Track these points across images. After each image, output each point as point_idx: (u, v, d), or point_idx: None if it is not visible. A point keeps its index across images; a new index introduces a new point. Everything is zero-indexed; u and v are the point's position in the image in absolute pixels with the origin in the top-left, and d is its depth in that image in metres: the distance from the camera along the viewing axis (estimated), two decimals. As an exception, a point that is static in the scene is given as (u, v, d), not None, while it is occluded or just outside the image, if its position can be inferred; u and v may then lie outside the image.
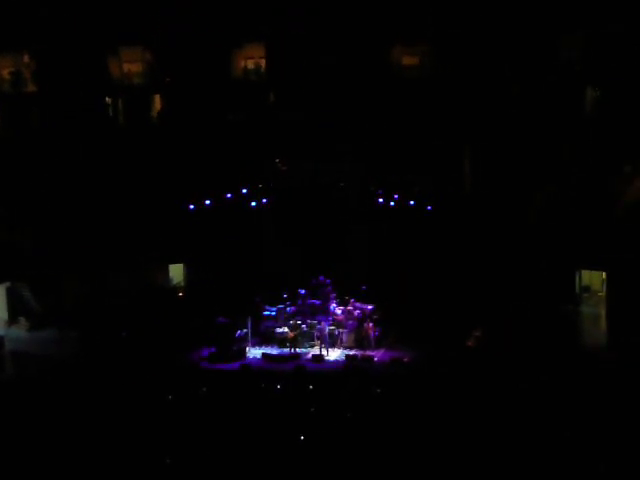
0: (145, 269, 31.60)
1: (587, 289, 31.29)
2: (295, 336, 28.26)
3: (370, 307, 28.79)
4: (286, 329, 28.47)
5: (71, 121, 31.81)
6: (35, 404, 22.18)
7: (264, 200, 30.88)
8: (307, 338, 28.54)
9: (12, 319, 30.81)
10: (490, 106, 29.72)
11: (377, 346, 28.01)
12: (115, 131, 32.49)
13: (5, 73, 32.16)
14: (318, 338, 28.22)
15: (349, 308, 28.85)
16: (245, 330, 28.35)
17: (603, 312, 29.26)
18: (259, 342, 28.77)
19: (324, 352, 27.65)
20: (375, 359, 27.04)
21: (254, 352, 28.01)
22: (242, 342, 28.15)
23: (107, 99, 32.94)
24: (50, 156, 31.46)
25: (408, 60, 30.98)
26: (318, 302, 29.26)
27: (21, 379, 25.67)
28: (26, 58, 31.84)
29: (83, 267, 30.59)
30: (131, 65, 32.25)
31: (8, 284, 30.82)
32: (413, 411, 20.76)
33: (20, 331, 30.12)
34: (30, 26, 30.68)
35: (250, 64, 32.12)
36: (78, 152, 31.48)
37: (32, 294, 30.95)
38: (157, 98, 32.64)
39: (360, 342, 28.13)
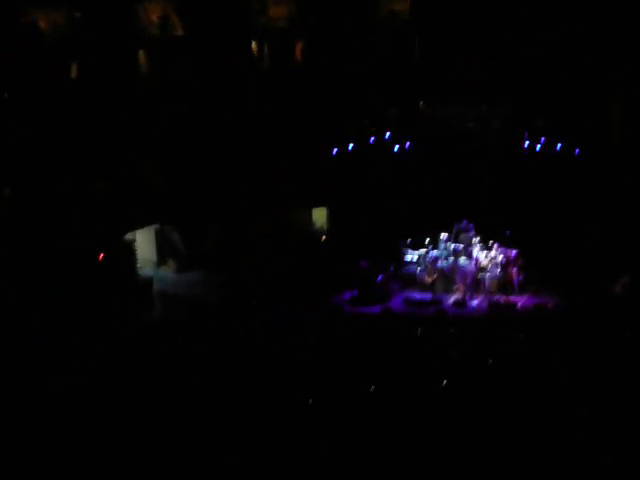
0: (288, 213, 31.87)
1: None
2: (436, 281, 28.20)
3: (514, 252, 28.36)
4: (427, 274, 28.42)
5: (218, 65, 32.11)
6: (182, 344, 22.86)
7: (407, 144, 30.71)
8: (449, 283, 28.43)
9: (160, 261, 31.55)
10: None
11: (521, 292, 27.68)
12: (260, 75, 32.65)
13: (154, 17, 32.60)
14: (461, 283, 28.05)
15: (493, 253, 28.52)
16: (387, 274, 28.48)
17: None
18: (400, 286, 28.81)
19: (466, 297, 27.53)
20: (518, 305, 26.77)
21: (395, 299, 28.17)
22: (384, 286, 28.28)
23: (253, 43, 33.05)
24: (197, 100, 31.87)
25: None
26: (461, 247, 29.05)
27: (168, 319, 26.42)
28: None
29: (227, 211, 31.01)
30: (276, 8, 32.22)
31: (157, 226, 31.49)
32: (556, 359, 20.51)
33: (168, 272, 30.83)
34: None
35: (396, 6, 31.71)
36: (224, 96, 31.81)
37: (180, 236, 31.59)
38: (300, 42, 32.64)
39: (503, 287, 27.82)
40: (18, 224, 26.65)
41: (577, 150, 28.99)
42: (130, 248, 29.17)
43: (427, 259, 28.83)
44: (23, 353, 21.97)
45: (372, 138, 30.32)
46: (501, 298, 27.18)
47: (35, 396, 19.10)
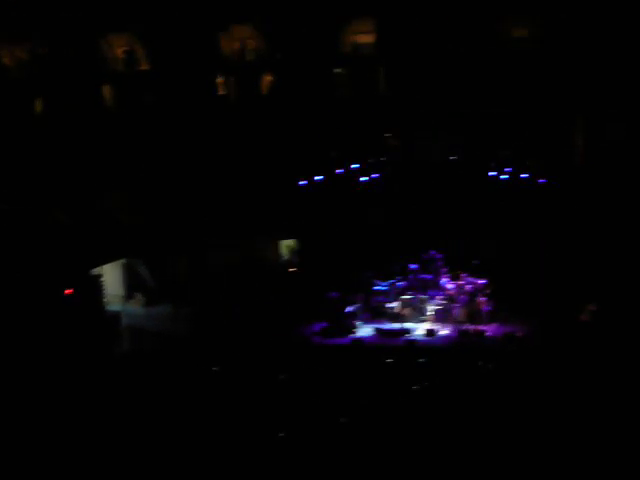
0: (256, 245, 31.84)
1: None
2: (406, 311, 28.24)
3: (482, 281, 28.51)
4: (397, 304, 28.44)
5: (183, 100, 32.12)
6: (150, 379, 22.67)
7: (374, 175, 30.80)
8: (418, 313, 28.48)
9: (128, 295, 31.39)
10: (605, 76, 28.95)
11: (489, 321, 27.76)
12: (226, 109, 32.66)
13: (119, 52, 32.63)
14: (430, 313, 28.12)
15: (461, 282, 28.65)
16: (356, 305, 28.52)
17: None
18: (370, 317, 28.82)
19: (435, 327, 27.56)
20: (487, 334, 26.82)
21: (365, 329, 28.05)
22: (353, 317, 28.29)
23: (219, 78, 33.03)
24: (162, 134, 31.85)
25: (517, 32, 30.25)
26: (429, 277, 29.17)
27: (137, 354, 26.22)
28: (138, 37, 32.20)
29: (194, 245, 30.96)
30: (242, 42, 32.29)
31: (124, 261, 31.36)
32: (526, 388, 20.54)
33: (136, 307, 30.66)
34: (142, 5, 31.11)
35: (360, 39, 31.84)
36: (190, 130, 31.81)
37: (147, 270, 31.47)
38: (267, 76, 32.67)
39: (472, 317, 27.92)
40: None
41: (542, 180, 29.13)
42: (97, 283, 28.98)
43: (396, 289, 28.96)
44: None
45: (339, 170, 30.29)
46: (470, 327, 27.25)
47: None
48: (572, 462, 16.22)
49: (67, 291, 27.37)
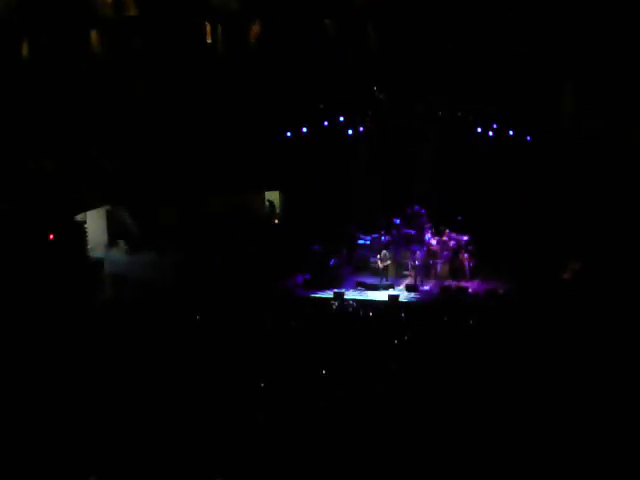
0: (241, 195, 31.79)
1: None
2: (388, 265, 28.27)
3: (465, 238, 28.58)
4: (380, 258, 28.46)
5: (171, 47, 31.82)
6: (132, 327, 22.65)
7: (361, 128, 30.73)
8: (401, 268, 28.53)
9: (112, 242, 31.31)
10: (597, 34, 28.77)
11: (472, 277, 27.90)
12: (213, 57, 32.40)
13: (107, -4, 32.24)
14: (412, 268, 28.16)
15: (444, 239, 28.69)
16: (339, 258, 28.54)
17: None
18: (353, 271, 28.88)
19: (417, 282, 27.63)
20: (469, 290, 26.93)
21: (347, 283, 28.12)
22: (336, 270, 28.33)
23: (207, 25, 32.73)
24: (149, 81, 31.59)
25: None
26: (413, 232, 29.18)
27: (119, 302, 26.17)
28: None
29: (179, 192, 30.86)
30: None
31: (108, 207, 31.23)
32: (505, 344, 20.61)
33: (119, 254, 30.57)
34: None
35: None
36: (177, 77, 31.57)
37: (131, 217, 31.35)
38: (255, 25, 32.37)
39: (454, 273, 28.05)
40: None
41: (528, 137, 29.09)
42: (81, 229, 28.90)
43: (379, 244, 28.97)
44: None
45: (326, 122, 30.21)
46: (452, 283, 27.35)
47: None
48: (549, 416, 16.32)
49: (50, 236, 27.30)
